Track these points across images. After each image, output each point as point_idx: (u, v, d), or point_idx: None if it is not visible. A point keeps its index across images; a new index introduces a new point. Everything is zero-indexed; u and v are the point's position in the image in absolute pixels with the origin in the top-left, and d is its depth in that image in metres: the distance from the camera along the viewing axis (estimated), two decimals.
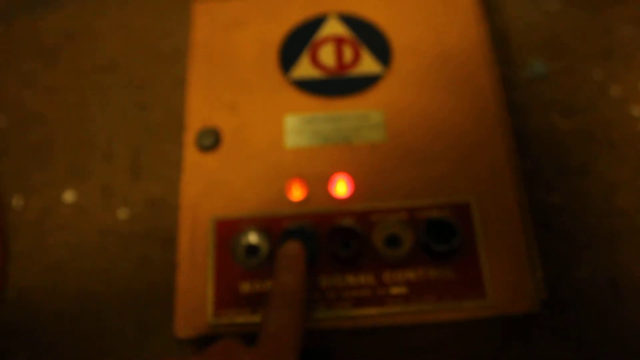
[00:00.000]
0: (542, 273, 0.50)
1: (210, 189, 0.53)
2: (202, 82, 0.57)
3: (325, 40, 0.59)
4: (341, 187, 0.52)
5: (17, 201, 0.67)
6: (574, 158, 0.68)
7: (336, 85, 0.57)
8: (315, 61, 0.58)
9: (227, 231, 0.51)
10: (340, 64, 0.58)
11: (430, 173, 0.53)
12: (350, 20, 0.60)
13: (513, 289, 0.49)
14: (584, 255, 0.64)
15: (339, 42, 0.59)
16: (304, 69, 0.58)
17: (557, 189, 0.66)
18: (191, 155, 0.55)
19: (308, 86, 0.57)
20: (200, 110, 0.56)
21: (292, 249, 0.48)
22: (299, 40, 0.59)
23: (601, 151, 0.68)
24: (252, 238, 0.50)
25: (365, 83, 0.57)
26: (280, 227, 0.51)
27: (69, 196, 0.66)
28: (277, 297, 0.45)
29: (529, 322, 0.50)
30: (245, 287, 0.50)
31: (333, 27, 0.60)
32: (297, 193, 0.52)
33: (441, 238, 0.50)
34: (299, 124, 0.55)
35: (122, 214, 0.65)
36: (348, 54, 0.58)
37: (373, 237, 0.50)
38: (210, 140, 0.54)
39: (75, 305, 0.62)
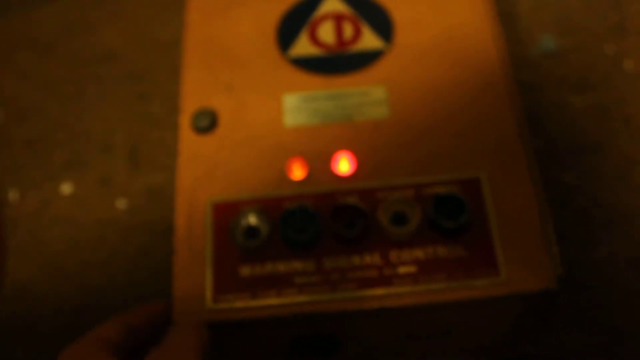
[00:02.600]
0: (557, 248, 0.47)
1: (208, 172, 0.51)
2: (197, 62, 0.56)
3: (324, 18, 0.57)
4: (344, 165, 0.50)
5: (13, 195, 0.65)
6: (589, 135, 0.65)
7: (336, 63, 0.55)
8: (314, 39, 0.56)
9: (225, 214, 0.49)
10: (341, 41, 0.56)
11: (437, 149, 0.51)
12: None
13: (528, 265, 0.47)
14: (602, 235, 0.61)
15: (338, 18, 0.57)
16: (302, 46, 0.56)
17: (571, 168, 0.64)
18: (187, 137, 0.53)
19: (307, 64, 0.55)
20: (195, 91, 0.54)
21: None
22: (297, 18, 0.57)
23: (616, 127, 0.65)
24: (252, 219, 0.48)
25: (366, 59, 0.55)
26: (281, 208, 0.49)
27: (66, 188, 0.65)
28: None
29: (545, 301, 0.48)
30: (245, 270, 0.47)
31: (332, 4, 0.58)
32: (297, 172, 0.50)
33: (450, 214, 0.47)
34: (298, 103, 0.53)
35: (121, 204, 0.64)
36: (348, 30, 0.56)
37: (378, 215, 0.48)
38: (207, 122, 0.52)
39: (75, 298, 0.60)
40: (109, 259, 0.61)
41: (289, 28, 0.57)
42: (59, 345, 0.59)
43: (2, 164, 0.67)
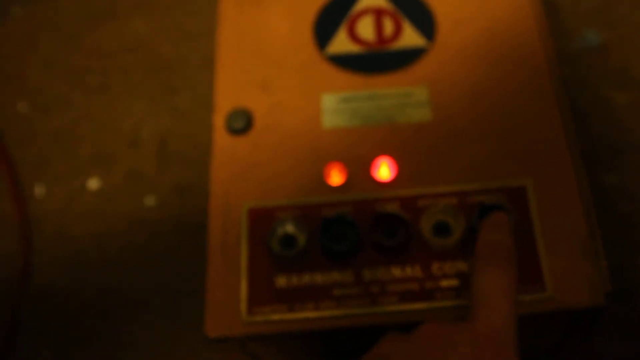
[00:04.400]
0: (606, 262, 0.45)
1: (243, 176, 0.49)
2: (231, 59, 0.53)
3: (363, 12, 0.55)
4: (384, 170, 0.48)
5: (39, 190, 0.63)
6: (633, 134, 0.63)
7: (376, 61, 0.53)
8: (353, 35, 0.54)
9: (261, 220, 0.47)
10: (381, 38, 0.54)
11: (481, 154, 0.49)
12: None
13: (575, 280, 0.44)
14: None
15: (378, 13, 0.55)
16: (341, 43, 0.54)
17: (614, 169, 0.62)
18: (221, 139, 0.51)
19: (346, 62, 0.53)
20: (230, 90, 0.52)
21: (496, 215, 0.44)
22: (335, 13, 0.55)
23: None
24: (289, 228, 0.46)
25: (407, 58, 0.53)
26: (319, 215, 0.47)
27: (93, 183, 0.63)
28: (487, 255, 0.40)
29: (592, 317, 0.46)
30: (282, 281, 0.46)
31: None
32: (336, 178, 0.48)
33: None
34: (336, 103, 0.51)
35: (150, 200, 0.62)
36: (389, 26, 0.54)
37: (420, 226, 0.46)
38: (242, 123, 0.50)
39: (101, 298, 0.59)
40: (137, 258, 0.60)
41: (327, 23, 0.54)
42: (86, 346, 0.57)
43: (28, 157, 0.65)
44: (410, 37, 0.53)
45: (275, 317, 0.45)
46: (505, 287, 0.39)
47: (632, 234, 0.59)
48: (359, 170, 0.48)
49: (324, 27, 0.54)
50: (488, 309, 0.38)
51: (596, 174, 0.61)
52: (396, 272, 0.45)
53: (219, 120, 0.51)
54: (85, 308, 0.59)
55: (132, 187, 0.63)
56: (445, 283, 0.45)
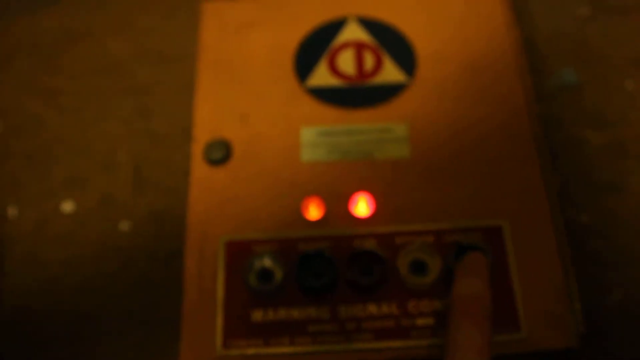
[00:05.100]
0: (579, 304, 0.46)
1: (220, 207, 0.49)
2: (211, 89, 0.53)
3: (345, 46, 0.55)
4: (362, 207, 0.48)
5: (12, 211, 0.62)
6: (605, 174, 0.64)
7: (356, 95, 0.53)
8: (333, 68, 0.54)
9: (238, 253, 0.47)
10: (361, 72, 0.54)
11: (459, 192, 0.49)
12: (372, 25, 0.56)
13: (549, 322, 0.45)
14: (617, 279, 0.60)
15: (359, 47, 0.55)
16: (321, 76, 0.54)
17: (586, 208, 0.62)
18: (199, 169, 0.51)
19: (326, 95, 0.53)
20: (209, 120, 0.52)
21: (473, 256, 0.45)
22: (316, 46, 0.55)
23: (634, 167, 0.64)
24: (267, 262, 0.46)
25: (387, 93, 0.53)
26: (296, 249, 0.47)
27: (67, 206, 0.62)
28: (463, 310, 0.41)
29: (563, 356, 0.46)
30: (258, 315, 0.45)
31: (353, 32, 0.56)
32: (314, 212, 0.48)
33: None
34: (316, 137, 0.51)
35: (124, 226, 0.61)
36: (369, 61, 0.54)
37: (397, 264, 0.46)
38: (220, 154, 0.50)
39: (71, 327, 0.58)
40: (109, 284, 0.59)
41: (308, 55, 0.55)
42: None
43: (1, 178, 0.64)
44: (391, 73, 0.54)
45: (251, 351, 0.45)
46: (480, 345, 0.39)
47: (601, 272, 0.59)
48: (337, 205, 0.49)
49: (305, 59, 0.54)
50: None
51: (568, 212, 0.62)
52: (372, 309, 0.45)
53: (197, 150, 0.51)
54: (56, 333, 0.58)
55: (106, 211, 0.62)
56: (421, 321, 0.45)
